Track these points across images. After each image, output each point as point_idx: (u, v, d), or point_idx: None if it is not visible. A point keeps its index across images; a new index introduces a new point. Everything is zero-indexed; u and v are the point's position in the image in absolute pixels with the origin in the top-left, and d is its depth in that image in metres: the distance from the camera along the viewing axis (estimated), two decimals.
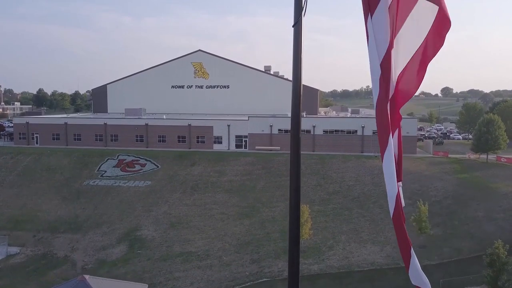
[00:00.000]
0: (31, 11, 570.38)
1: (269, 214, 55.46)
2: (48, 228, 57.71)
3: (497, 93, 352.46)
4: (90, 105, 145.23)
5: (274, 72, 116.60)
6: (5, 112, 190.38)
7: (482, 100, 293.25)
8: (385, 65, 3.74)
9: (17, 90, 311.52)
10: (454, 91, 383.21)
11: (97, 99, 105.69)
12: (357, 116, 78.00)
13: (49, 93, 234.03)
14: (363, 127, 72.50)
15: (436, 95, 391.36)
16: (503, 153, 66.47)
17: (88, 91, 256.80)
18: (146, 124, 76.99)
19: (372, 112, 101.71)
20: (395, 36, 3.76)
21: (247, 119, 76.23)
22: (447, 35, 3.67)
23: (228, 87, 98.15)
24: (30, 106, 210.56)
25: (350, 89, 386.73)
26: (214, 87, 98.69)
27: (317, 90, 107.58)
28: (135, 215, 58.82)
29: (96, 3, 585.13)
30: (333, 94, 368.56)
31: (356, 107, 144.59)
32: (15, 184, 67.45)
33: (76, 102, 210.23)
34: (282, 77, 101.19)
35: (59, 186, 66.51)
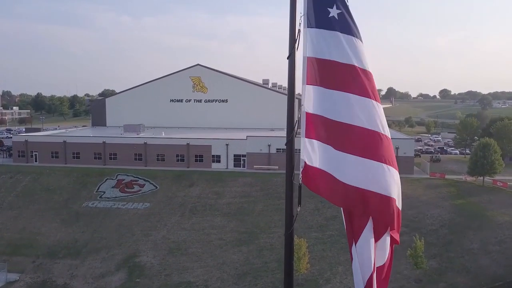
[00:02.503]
0: (30, 11, 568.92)
1: (267, 241, 55.87)
2: (48, 253, 58.03)
3: (495, 95, 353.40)
4: (89, 111, 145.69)
5: (272, 83, 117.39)
6: (3, 117, 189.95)
7: (480, 103, 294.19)
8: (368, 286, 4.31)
9: (16, 92, 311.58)
10: (452, 93, 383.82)
11: (95, 112, 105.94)
12: None
13: (48, 95, 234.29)
14: None
15: (434, 96, 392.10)
16: (500, 175, 66.96)
17: (86, 95, 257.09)
18: (145, 143, 77.29)
19: None
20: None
21: (245, 138, 76.57)
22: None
23: (226, 101, 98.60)
24: (29, 110, 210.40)
25: None
26: (212, 101, 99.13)
27: None
28: (134, 239, 59.17)
29: (95, 2, 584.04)
30: None
31: None
32: (14, 206, 67.73)
33: (74, 106, 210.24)
34: (280, 92, 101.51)
35: (58, 208, 66.80)
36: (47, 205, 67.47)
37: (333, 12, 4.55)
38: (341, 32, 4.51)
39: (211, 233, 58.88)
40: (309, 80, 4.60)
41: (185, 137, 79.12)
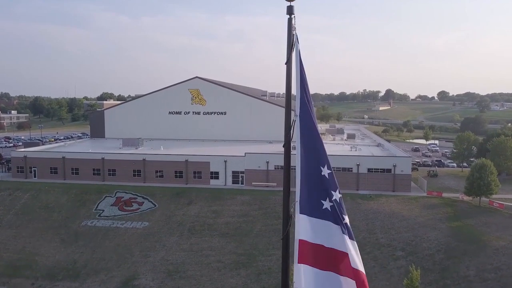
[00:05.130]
0: (28, 11, 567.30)
1: (265, 264, 56.27)
2: (47, 274, 58.29)
3: (493, 96, 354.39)
4: (87, 116, 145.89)
5: (270, 93, 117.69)
6: (1, 121, 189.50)
7: (478, 106, 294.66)
8: None
9: (14, 93, 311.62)
10: (451, 94, 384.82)
11: (94, 123, 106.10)
12: (351, 155, 78.91)
13: (47, 96, 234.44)
14: (358, 165, 73.38)
15: (433, 98, 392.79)
16: (496, 194, 67.41)
17: (85, 98, 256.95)
18: (144, 160, 77.57)
19: (367, 131, 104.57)
20: None
21: (243, 154, 76.90)
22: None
23: (225, 113, 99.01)
24: (27, 114, 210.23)
25: (347, 91, 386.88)
26: (211, 113, 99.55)
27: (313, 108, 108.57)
28: (133, 261, 59.48)
29: (94, 2, 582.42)
30: (330, 97, 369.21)
31: (351, 118, 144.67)
32: (13, 224, 67.97)
33: (73, 110, 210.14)
34: (278, 104, 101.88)
35: (57, 226, 67.08)
36: (46, 224, 67.74)
37: (326, 204, 4.97)
38: (333, 223, 4.95)
39: (209, 255, 59.23)
40: (300, 259, 5.02)
41: (183, 153, 79.41)
